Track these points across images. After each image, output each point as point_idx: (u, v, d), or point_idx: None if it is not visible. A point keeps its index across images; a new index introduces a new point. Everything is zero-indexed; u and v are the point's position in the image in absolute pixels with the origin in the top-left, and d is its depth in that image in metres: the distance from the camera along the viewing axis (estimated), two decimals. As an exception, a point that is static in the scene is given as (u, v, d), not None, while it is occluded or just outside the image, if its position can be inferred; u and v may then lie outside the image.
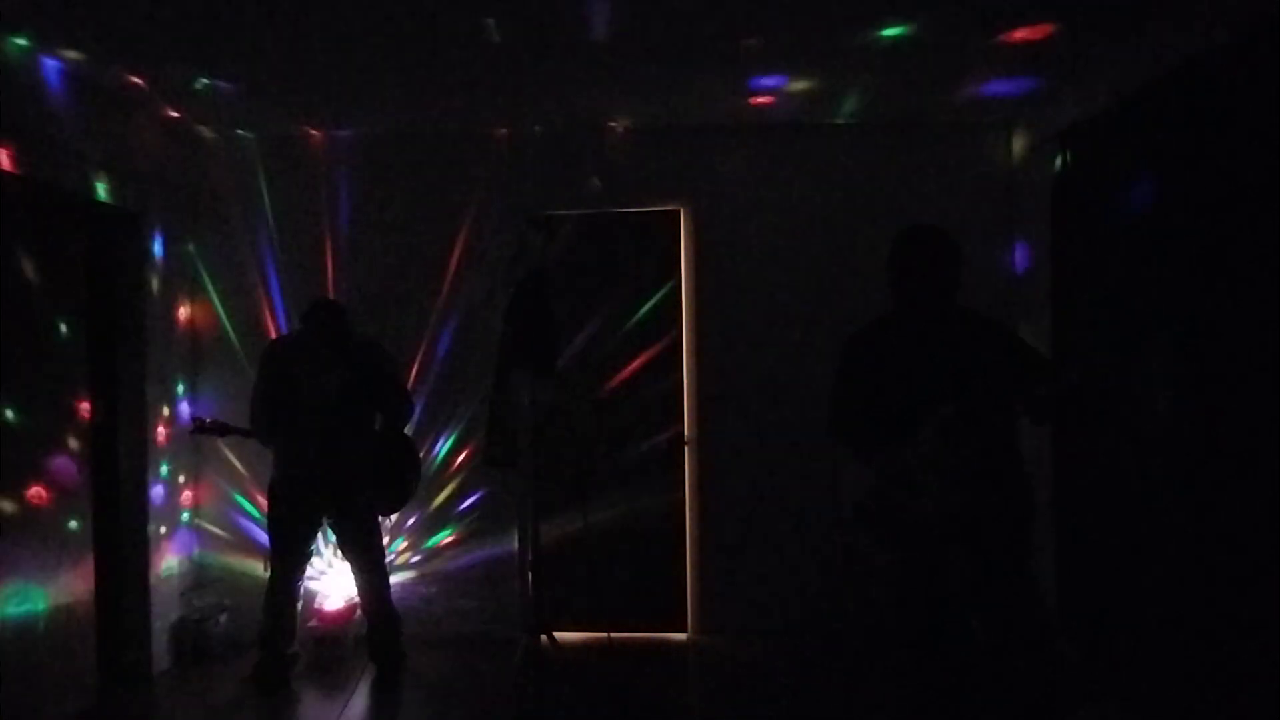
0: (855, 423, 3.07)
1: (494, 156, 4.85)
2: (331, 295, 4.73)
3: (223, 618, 4.61)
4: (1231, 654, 2.95)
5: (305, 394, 3.97)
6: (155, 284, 4.43)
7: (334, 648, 4.49)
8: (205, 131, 4.77)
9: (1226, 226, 2.97)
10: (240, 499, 4.85)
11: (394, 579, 4.49)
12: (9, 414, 3.45)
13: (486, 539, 4.85)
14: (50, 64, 3.67)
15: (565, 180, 4.83)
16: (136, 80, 3.93)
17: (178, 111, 4.42)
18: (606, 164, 4.82)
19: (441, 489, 4.87)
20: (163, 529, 4.47)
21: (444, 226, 4.84)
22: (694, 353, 4.86)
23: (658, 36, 3.50)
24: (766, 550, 4.78)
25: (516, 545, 4.76)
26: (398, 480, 4.21)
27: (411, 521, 4.87)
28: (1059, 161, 4.03)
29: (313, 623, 4.54)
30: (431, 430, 4.84)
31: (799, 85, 4.14)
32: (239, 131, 4.79)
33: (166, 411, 4.53)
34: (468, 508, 4.87)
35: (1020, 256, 4.68)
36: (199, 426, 4.22)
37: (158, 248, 4.47)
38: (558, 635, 4.12)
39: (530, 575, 4.19)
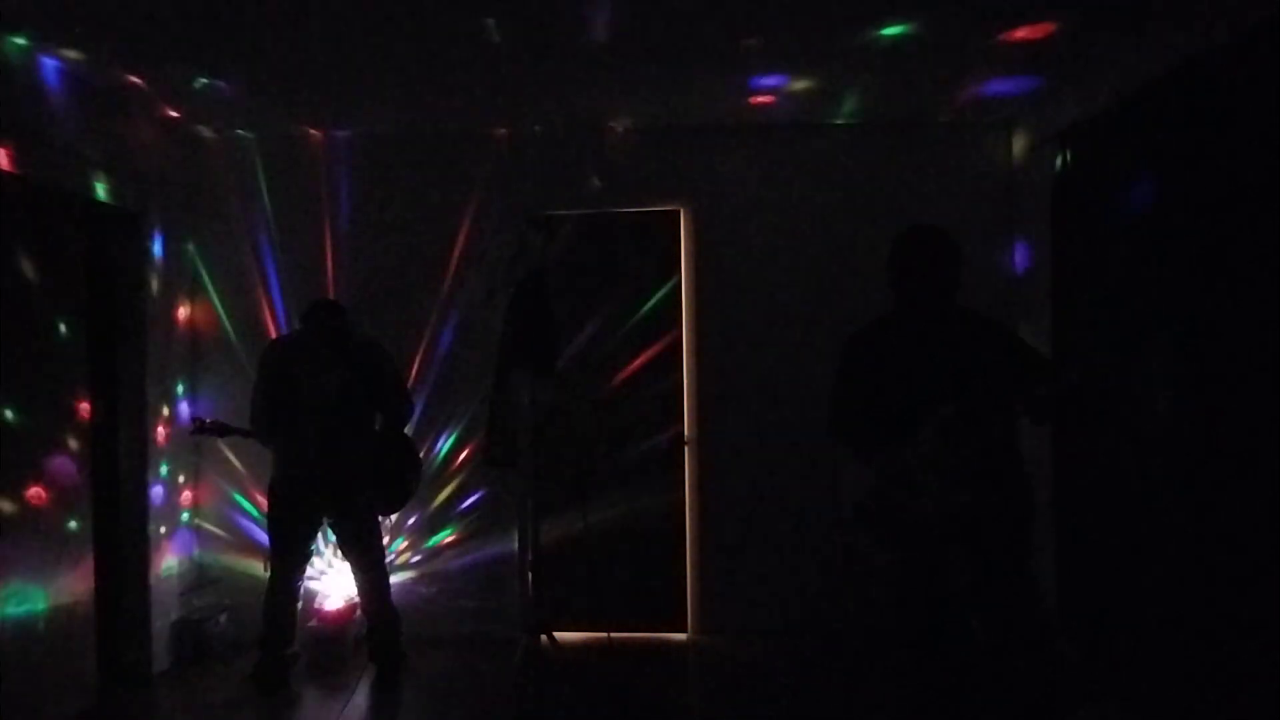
0: (855, 423, 3.07)
1: (494, 156, 4.85)
2: (331, 295, 4.74)
3: (223, 618, 4.61)
4: (1231, 654, 2.95)
5: (305, 394, 3.97)
6: (155, 284, 4.43)
7: (334, 648, 4.49)
8: (205, 131, 4.77)
9: (1226, 226, 2.97)
10: (240, 499, 4.85)
11: (394, 579, 4.49)
12: (9, 414, 3.45)
13: (486, 539, 4.85)
14: (49, 63, 3.67)
15: (565, 180, 4.83)
16: (136, 80, 3.93)
17: (178, 111, 4.41)
18: (607, 164, 4.82)
19: (441, 489, 4.87)
20: (163, 529, 4.47)
21: (444, 226, 4.84)
22: (694, 353, 4.86)
23: (658, 36, 3.50)
24: (766, 550, 4.78)
25: (516, 545, 4.76)
26: (398, 480, 4.21)
27: (411, 521, 4.87)
28: (1059, 161, 4.03)
29: (313, 623, 4.54)
30: (431, 430, 4.84)
31: (799, 85, 4.14)
32: (239, 131, 4.79)
33: (166, 411, 4.53)
34: (468, 508, 4.87)
35: (1020, 256, 4.68)
36: (199, 427, 4.22)
37: (158, 248, 4.47)
38: (558, 635, 4.12)
39: (530, 575, 4.19)
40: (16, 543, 3.48)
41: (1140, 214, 3.45)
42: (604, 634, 4.53)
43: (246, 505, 4.84)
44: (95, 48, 3.55)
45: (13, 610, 3.44)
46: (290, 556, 4.11)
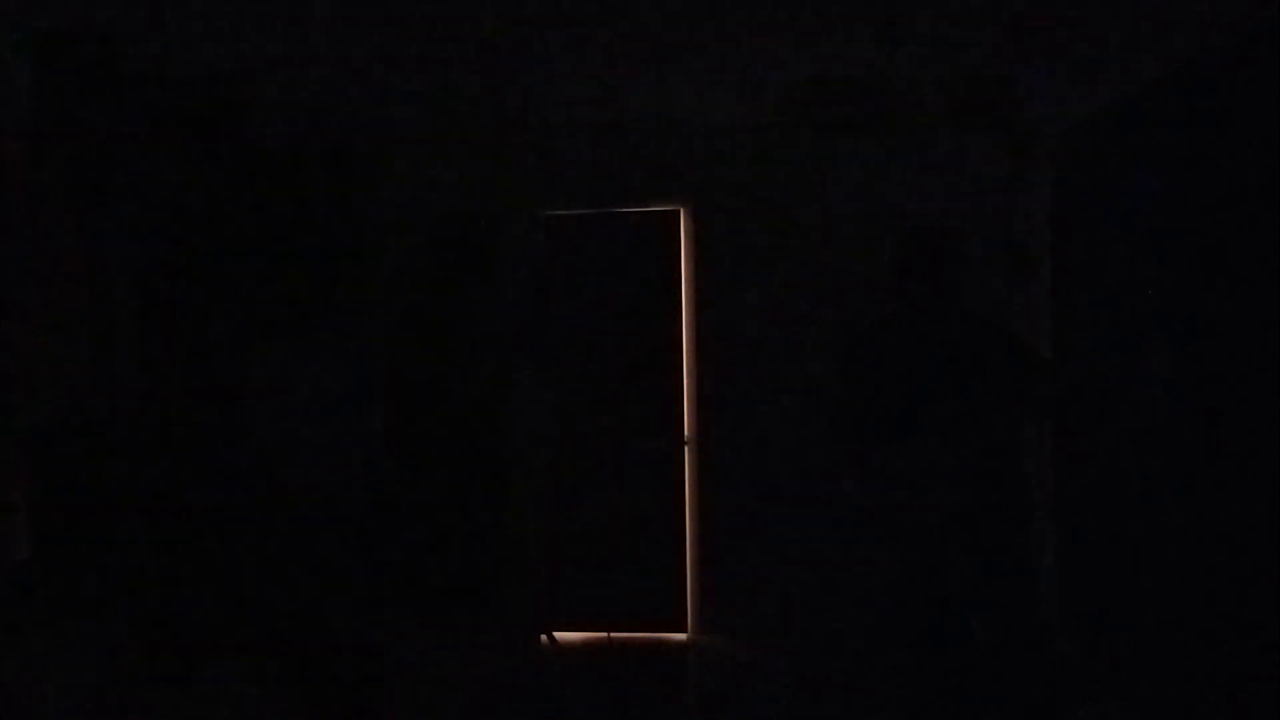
0: (856, 422, 3.07)
1: (494, 156, 4.84)
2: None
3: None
4: (1231, 654, 2.95)
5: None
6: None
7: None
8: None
9: (1226, 226, 2.98)
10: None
11: (394, 579, 4.48)
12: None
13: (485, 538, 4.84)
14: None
15: (566, 180, 4.83)
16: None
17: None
18: (607, 164, 4.82)
19: (441, 489, 4.87)
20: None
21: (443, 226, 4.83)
22: (694, 353, 4.86)
23: (657, 35, 3.50)
24: (767, 550, 4.78)
25: (517, 545, 4.76)
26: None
27: (411, 521, 4.87)
28: (1059, 161, 4.03)
29: (313, 623, 4.53)
30: (431, 430, 4.84)
31: (799, 84, 4.13)
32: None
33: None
34: (468, 508, 4.86)
35: (1020, 256, 4.67)
36: None
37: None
38: (558, 635, 4.13)
39: (530, 575, 4.20)
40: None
41: (1140, 214, 3.45)
42: (604, 634, 4.54)
43: (246, 505, 4.83)
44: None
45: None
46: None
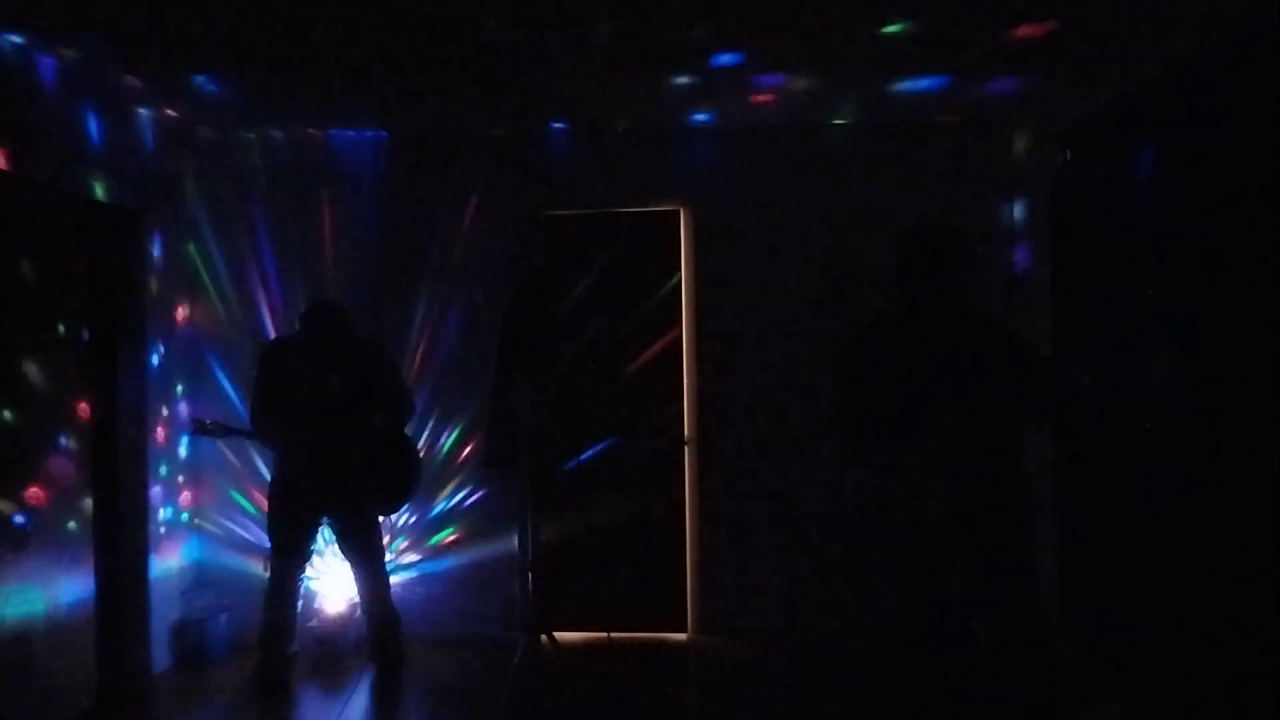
0: (857, 421, 3.08)
1: (494, 156, 4.85)
2: (331, 296, 4.73)
3: (223, 618, 4.61)
4: (1231, 654, 2.95)
5: (305, 394, 3.97)
6: (155, 284, 4.43)
7: (334, 648, 4.50)
8: (205, 131, 4.76)
9: (1227, 226, 2.98)
10: (240, 499, 4.85)
11: (394, 579, 4.49)
12: (9, 414, 3.45)
13: (486, 539, 4.84)
14: (46, 62, 3.66)
15: (565, 180, 4.83)
16: (136, 80, 3.92)
17: (177, 111, 4.41)
18: (607, 164, 4.82)
19: (442, 489, 4.87)
20: (163, 529, 4.47)
21: (444, 226, 4.83)
22: (694, 353, 4.86)
23: (657, 35, 3.50)
24: (766, 550, 4.78)
25: (516, 545, 4.76)
26: (398, 480, 4.21)
27: (411, 521, 4.87)
28: (1059, 161, 4.03)
29: (313, 623, 4.54)
30: (432, 430, 4.84)
31: (799, 85, 4.13)
32: (239, 131, 4.79)
33: (166, 412, 4.52)
34: (468, 508, 4.87)
35: (1020, 256, 4.68)
36: (199, 428, 4.22)
37: (157, 248, 4.47)
38: (558, 635, 4.13)
39: (530, 575, 4.19)
40: (16, 543, 3.48)
41: (1140, 214, 3.45)
42: (604, 634, 4.54)
43: (246, 505, 4.83)
44: (93, 47, 3.55)
45: (13, 611, 3.45)
46: (290, 556, 4.11)
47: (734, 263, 4.82)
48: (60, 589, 3.70)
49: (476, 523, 4.85)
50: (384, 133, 4.83)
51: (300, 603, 4.27)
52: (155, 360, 4.41)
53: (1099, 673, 3.73)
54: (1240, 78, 2.90)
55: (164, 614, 4.44)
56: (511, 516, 4.72)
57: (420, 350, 4.84)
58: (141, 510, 4.30)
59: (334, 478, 4.01)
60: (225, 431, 4.22)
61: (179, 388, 4.69)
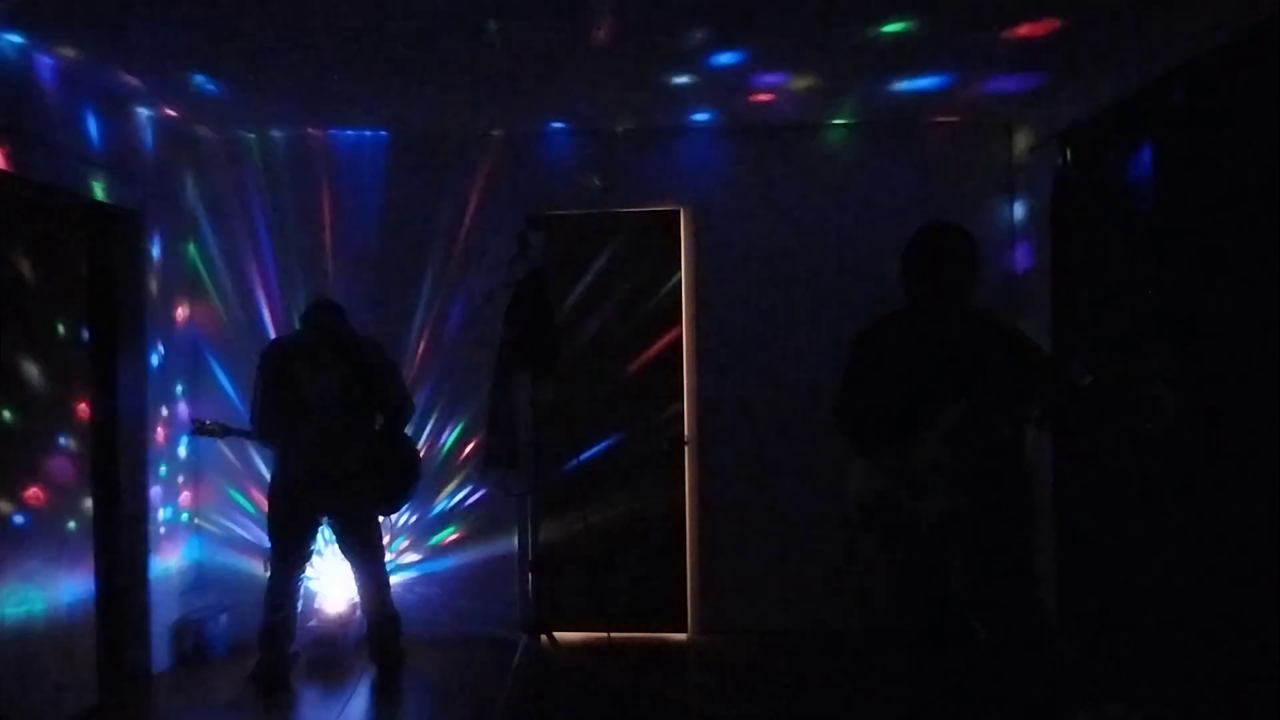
0: (859, 420, 3.07)
1: (494, 156, 4.84)
2: (331, 295, 4.73)
3: (223, 618, 4.61)
4: (1231, 654, 2.95)
5: (305, 394, 3.97)
6: (155, 284, 4.43)
7: (334, 648, 4.49)
8: (205, 131, 4.76)
9: (1226, 226, 2.97)
10: (240, 499, 4.85)
11: (394, 579, 4.48)
12: (8, 414, 3.45)
13: (486, 539, 4.84)
14: (45, 62, 3.66)
15: (566, 180, 4.83)
16: (136, 80, 3.92)
17: (177, 111, 4.41)
18: (606, 164, 4.82)
19: (442, 489, 4.87)
20: (162, 529, 4.47)
21: (444, 226, 4.83)
22: (694, 353, 4.86)
23: (658, 36, 3.50)
24: (766, 550, 4.78)
25: (516, 545, 4.76)
26: (398, 480, 4.21)
27: (412, 521, 4.87)
28: (1059, 161, 4.03)
29: (313, 623, 4.54)
30: (432, 430, 4.84)
31: (800, 84, 4.13)
32: (239, 131, 4.79)
33: (166, 412, 4.53)
34: (468, 508, 4.87)
35: (1020, 256, 4.68)
36: (199, 428, 4.22)
37: (157, 248, 4.47)
38: (558, 635, 4.13)
39: (530, 575, 4.19)
40: (16, 543, 3.48)
41: (1140, 214, 3.45)
42: (604, 634, 4.54)
43: (246, 505, 4.84)
44: (93, 46, 3.55)
45: (13, 610, 3.44)
46: (290, 556, 4.11)
47: (734, 263, 4.82)
48: (60, 588, 3.70)
49: (476, 523, 4.86)
50: (384, 132, 4.83)
51: (300, 603, 4.27)
52: (155, 360, 4.41)
53: (1099, 673, 3.73)
54: (1240, 78, 2.90)
55: (164, 614, 4.45)
56: (511, 516, 4.72)
57: (420, 350, 4.84)
58: (141, 510, 4.30)
59: (334, 478, 4.01)
60: (225, 431, 4.23)
61: (179, 388, 4.69)
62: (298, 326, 4.21)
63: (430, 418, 4.83)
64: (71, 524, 3.80)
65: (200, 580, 4.78)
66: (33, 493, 3.58)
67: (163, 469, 4.48)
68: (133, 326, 4.30)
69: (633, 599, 4.84)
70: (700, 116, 4.64)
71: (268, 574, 4.15)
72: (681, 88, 4.14)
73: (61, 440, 3.77)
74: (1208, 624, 3.06)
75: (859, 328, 3.15)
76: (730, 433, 4.82)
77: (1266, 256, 2.76)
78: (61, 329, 3.77)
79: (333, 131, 4.82)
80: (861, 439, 3.06)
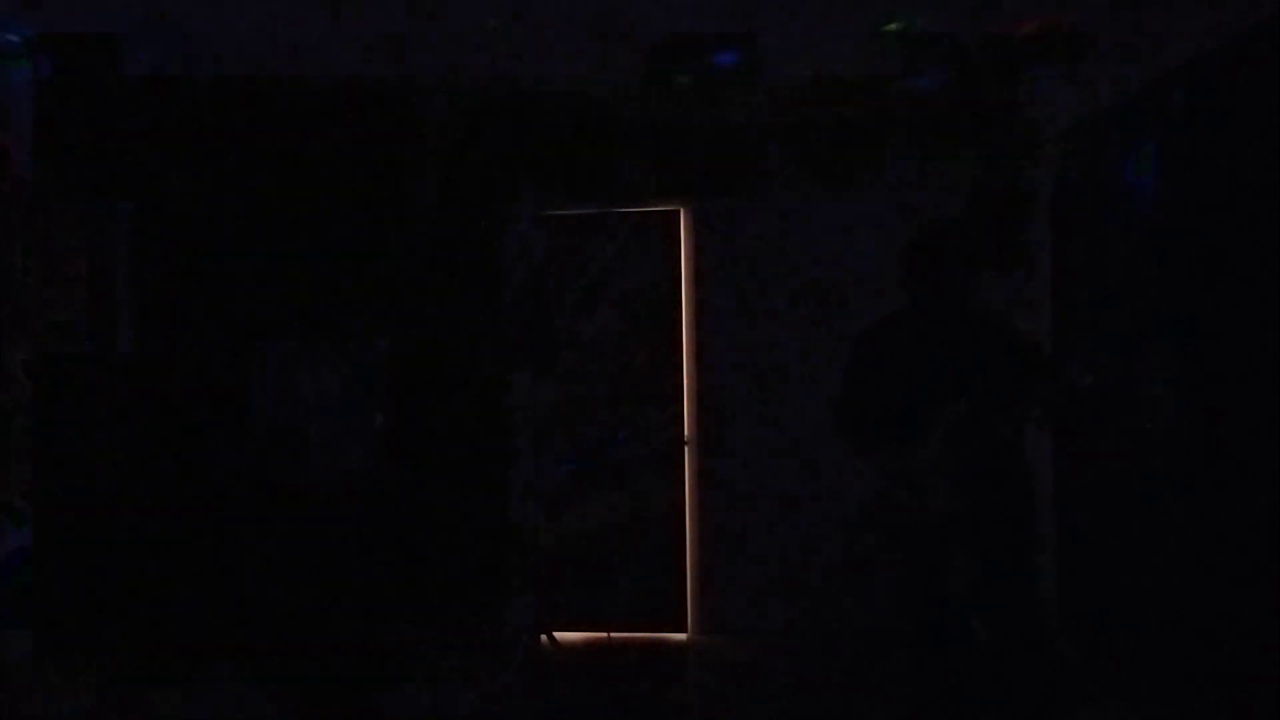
0: (859, 420, 3.07)
1: (494, 156, 4.83)
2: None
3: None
4: (1231, 654, 2.95)
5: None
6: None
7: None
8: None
9: (1227, 226, 2.97)
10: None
11: (394, 579, 4.48)
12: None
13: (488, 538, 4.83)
14: (45, 63, 3.64)
15: (564, 178, 4.82)
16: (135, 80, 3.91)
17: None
18: (607, 164, 4.81)
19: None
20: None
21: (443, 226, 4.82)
22: (694, 353, 4.86)
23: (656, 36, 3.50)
24: (767, 550, 4.78)
25: (519, 545, 4.75)
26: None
27: (411, 521, 4.86)
28: (1059, 161, 4.03)
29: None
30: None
31: (799, 83, 4.12)
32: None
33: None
34: (468, 508, 4.86)
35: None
36: None
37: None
38: (558, 635, 4.13)
39: (530, 575, 4.19)
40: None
41: (1140, 214, 3.45)
42: (604, 634, 4.53)
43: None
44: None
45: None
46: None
47: (734, 263, 4.82)
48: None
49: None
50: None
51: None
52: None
53: (1099, 673, 3.73)
54: (1240, 78, 2.90)
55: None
56: (512, 516, 4.71)
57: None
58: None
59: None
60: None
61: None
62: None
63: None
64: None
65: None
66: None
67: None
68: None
69: (633, 599, 4.84)
70: (700, 116, 4.62)
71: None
72: (681, 87, 4.13)
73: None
74: (1208, 624, 3.06)
75: (859, 328, 3.15)
76: (730, 433, 4.82)
77: (1266, 256, 2.76)
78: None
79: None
80: (862, 439, 3.06)
